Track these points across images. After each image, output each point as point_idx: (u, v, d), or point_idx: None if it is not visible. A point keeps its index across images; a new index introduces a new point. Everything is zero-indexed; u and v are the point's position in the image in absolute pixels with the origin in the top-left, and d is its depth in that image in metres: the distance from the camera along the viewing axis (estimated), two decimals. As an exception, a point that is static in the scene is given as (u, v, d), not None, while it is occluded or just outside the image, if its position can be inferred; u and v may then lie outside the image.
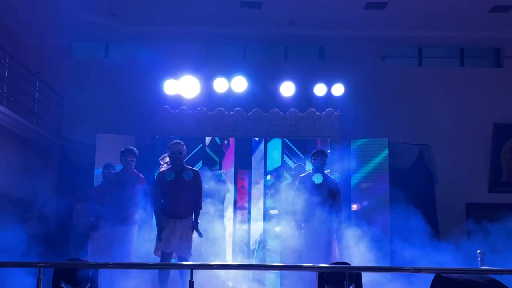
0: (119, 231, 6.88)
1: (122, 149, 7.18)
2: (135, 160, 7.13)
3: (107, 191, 7.08)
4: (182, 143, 6.90)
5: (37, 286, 4.33)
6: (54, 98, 10.70)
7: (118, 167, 7.42)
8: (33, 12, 9.90)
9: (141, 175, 7.26)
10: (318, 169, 7.37)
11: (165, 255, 6.66)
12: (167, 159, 6.99)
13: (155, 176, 7.42)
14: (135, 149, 7.20)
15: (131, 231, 7.03)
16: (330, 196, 7.24)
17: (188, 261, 6.63)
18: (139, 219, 7.16)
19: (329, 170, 7.94)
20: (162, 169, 7.16)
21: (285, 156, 8.61)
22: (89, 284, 5.04)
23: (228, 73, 8.96)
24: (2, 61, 9.13)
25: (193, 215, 6.82)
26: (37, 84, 10.13)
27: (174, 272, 6.73)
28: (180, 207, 6.70)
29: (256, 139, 8.73)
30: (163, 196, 6.80)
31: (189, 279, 4.46)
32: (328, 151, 8.07)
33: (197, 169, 7.19)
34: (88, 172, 8.76)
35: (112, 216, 6.86)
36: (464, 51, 11.77)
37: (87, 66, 10.97)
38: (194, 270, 4.56)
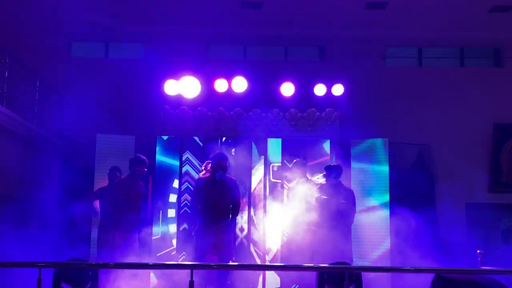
0: (121, 238, 6.93)
1: (133, 157, 7.32)
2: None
3: (114, 194, 7.12)
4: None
5: (37, 286, 4.33)
6: (54, 98, 10.69)
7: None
8: (33, 12, 9.90)
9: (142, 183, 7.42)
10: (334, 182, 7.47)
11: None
12: (209, 166, 7.09)
13: (196, 183, 7.44)
14: (146, 159, 7.30)
15: (135, 238, 7.10)
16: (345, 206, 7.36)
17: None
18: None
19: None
20: (200, 175, 7.26)
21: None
22: (89, 284, 5.03)
23: (228, 73, 8.95)
24: (2, 61, 9.12)
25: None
26: (37, 84, 10.12)
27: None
28: (219, 210, 6.79)
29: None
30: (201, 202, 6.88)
31: (189, 279, 4.47)
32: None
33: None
34: (88, 172, 8.76)
35: (118, 222, 6.93)
36: (464, 51, 11.76)
37: (87, 66, 10.96)
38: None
